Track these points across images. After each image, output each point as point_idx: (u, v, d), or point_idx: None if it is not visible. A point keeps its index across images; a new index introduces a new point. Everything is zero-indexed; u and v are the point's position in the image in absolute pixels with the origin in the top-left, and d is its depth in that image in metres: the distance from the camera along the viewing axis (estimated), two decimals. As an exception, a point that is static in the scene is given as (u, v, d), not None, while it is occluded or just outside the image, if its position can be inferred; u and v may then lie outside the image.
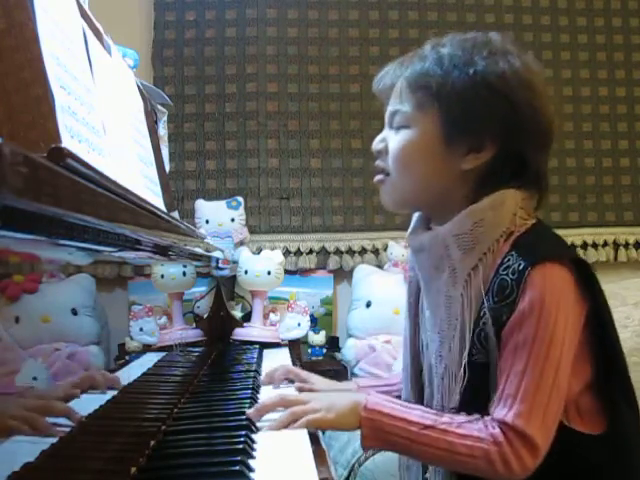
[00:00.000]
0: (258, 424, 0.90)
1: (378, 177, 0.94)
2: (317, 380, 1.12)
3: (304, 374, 1.14)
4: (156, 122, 1.59)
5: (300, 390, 1.07)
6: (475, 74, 0.84)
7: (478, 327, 0.85)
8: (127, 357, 1.72)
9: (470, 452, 0.81)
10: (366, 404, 0.86)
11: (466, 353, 0.86)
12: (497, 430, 0.81)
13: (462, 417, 0.85)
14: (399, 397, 1.02)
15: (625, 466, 0.88)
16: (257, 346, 1.79)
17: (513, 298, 0.82)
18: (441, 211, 0.92)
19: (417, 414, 0.85)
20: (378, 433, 0.85)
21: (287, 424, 0.87)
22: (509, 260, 0.84)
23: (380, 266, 2.29)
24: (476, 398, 0.86)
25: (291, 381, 1.16)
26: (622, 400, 0.88)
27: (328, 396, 0.95)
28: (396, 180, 0.91)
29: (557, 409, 0.83)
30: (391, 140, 0.91)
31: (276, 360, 1.59)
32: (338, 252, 2.33)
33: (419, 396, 1.00)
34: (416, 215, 0.99)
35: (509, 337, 0.83)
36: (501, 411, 0.82)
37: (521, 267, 0.82)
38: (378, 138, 0.94)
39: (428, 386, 0.98)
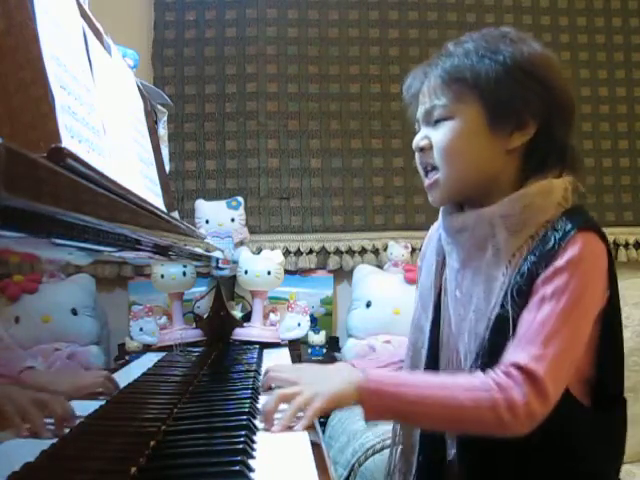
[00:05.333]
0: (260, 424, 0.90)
1: (432, 178, 0.95)
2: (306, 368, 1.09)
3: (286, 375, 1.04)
4: (156, 122, 1.59)
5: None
6: (505, 60, 0.89)
7: (515, 282, 0.87)
8: (127, 357, 1.73)
9: (475, 403, 0.80)
10: (366, 377, 0.86)
11: (496, 310, 0.87)
12: (501, 376, 0.81)
13: (464, 374, 0.85)
14: None
15: (612, 446, 0.90)
16: (257, 346, 1.79)
17: (552, 253, 0.85)
18: (488, 194, 0.94)
19: (418, 378, 0.87)
20: (380, 403, 0.85)
21: (291, 421, 0.88)
22: (558, 223, 0.88)
23: (380, 266, 2.28)
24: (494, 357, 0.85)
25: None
26: (614, 390, 0.91)
27: (322, 377, 0.94)
28: (447, 172, 0.93)
29: (570, 365, 0.83)
30: (434, 135, 0.94)
31: (276, 360, 1.59)
32: (338, 252, 2.32)
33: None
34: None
35: (539, 289, 0.84)
36: (514, 354, 0.82)
37: (568, 228, 0.86)
38: (419, 136, 0.96)
39: (446, 367, 0.97)
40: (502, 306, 0.87)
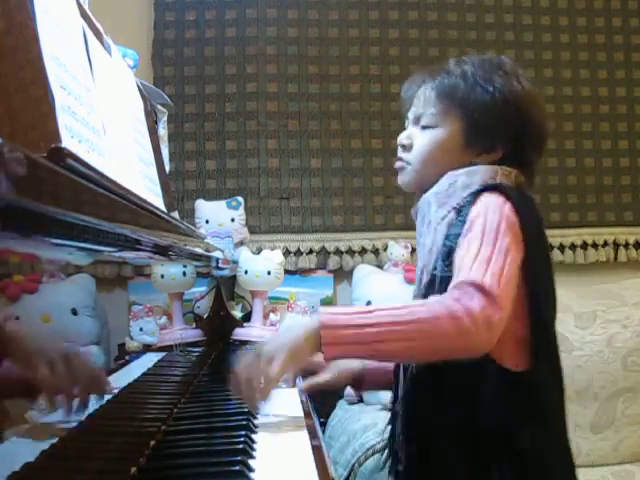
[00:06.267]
0: (260, 421, 0.90)
1: (400, 164, 1.10)
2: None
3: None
4: (156, 122, 1.59)
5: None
6: (494, 90, 1.01)
7: (442, 247, 0.96)
8: (127, 357, 1.72)
9: (433, 315, 0.84)
10: (320, 321, 0.86)
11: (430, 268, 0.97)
12: (453, 290, 0.86)
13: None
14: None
15: (535, 406, 0.93)
16: (257, 346, 1.78)
17: (466, 212, 0.95)
18: None
19: (373, 306, 0.92)
20: (338, 334, 0.85)
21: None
22: (471, 190, 0.98)
23: (380, 266, 2.28)
24: None
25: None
26: (543, 348, 0.96)
27: (282, 335, 0.93)
28: (419, 169, 1.07)
29: (512, 275, 0.88)
30: (418, 137, 1.07)
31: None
32: (338, 252, 2.32)
33: None
34: None
35: (462, 242, 0.93)
36: (454, 280, 0.88)
37: (476, 190, 0.97)
38: (404, 134, 1.10)
39: None
40: (434, 268, 0.96)
